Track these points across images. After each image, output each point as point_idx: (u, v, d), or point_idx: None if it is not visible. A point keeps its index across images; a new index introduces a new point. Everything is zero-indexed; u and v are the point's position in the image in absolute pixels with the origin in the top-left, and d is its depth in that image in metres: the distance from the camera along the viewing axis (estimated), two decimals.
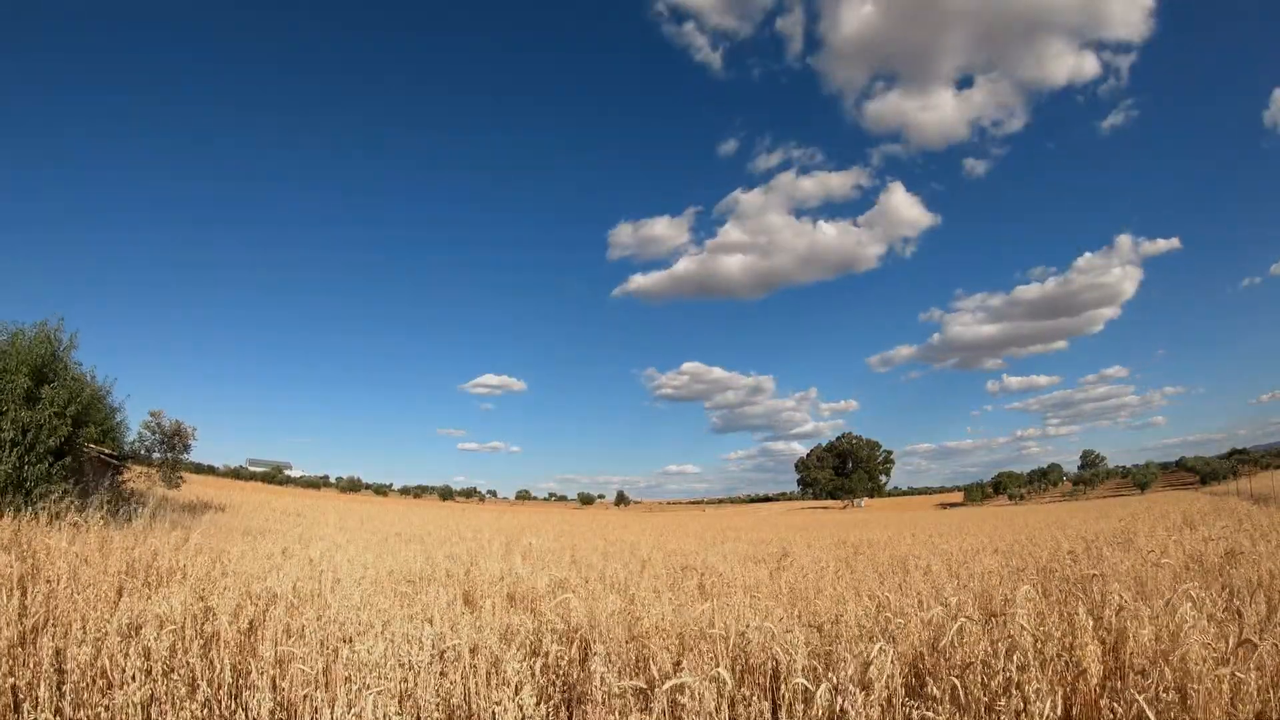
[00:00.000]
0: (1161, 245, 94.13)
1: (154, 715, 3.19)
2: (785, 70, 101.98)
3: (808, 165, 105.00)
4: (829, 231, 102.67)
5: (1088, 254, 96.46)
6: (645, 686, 3.37)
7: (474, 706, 3.52)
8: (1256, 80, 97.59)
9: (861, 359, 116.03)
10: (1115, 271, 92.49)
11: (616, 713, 3.02)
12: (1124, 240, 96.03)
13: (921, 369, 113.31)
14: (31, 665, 3.48)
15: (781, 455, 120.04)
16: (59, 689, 3.28)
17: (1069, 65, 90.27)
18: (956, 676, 3.27)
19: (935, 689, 3.14)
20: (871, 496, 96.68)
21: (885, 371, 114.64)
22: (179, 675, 3.37)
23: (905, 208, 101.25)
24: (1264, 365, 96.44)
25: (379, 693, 3.09)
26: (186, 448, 25.33)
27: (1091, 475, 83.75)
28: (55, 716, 3.18)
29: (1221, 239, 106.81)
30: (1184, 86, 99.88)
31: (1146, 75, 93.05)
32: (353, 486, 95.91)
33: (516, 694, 2.81)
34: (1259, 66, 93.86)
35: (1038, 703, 2.90)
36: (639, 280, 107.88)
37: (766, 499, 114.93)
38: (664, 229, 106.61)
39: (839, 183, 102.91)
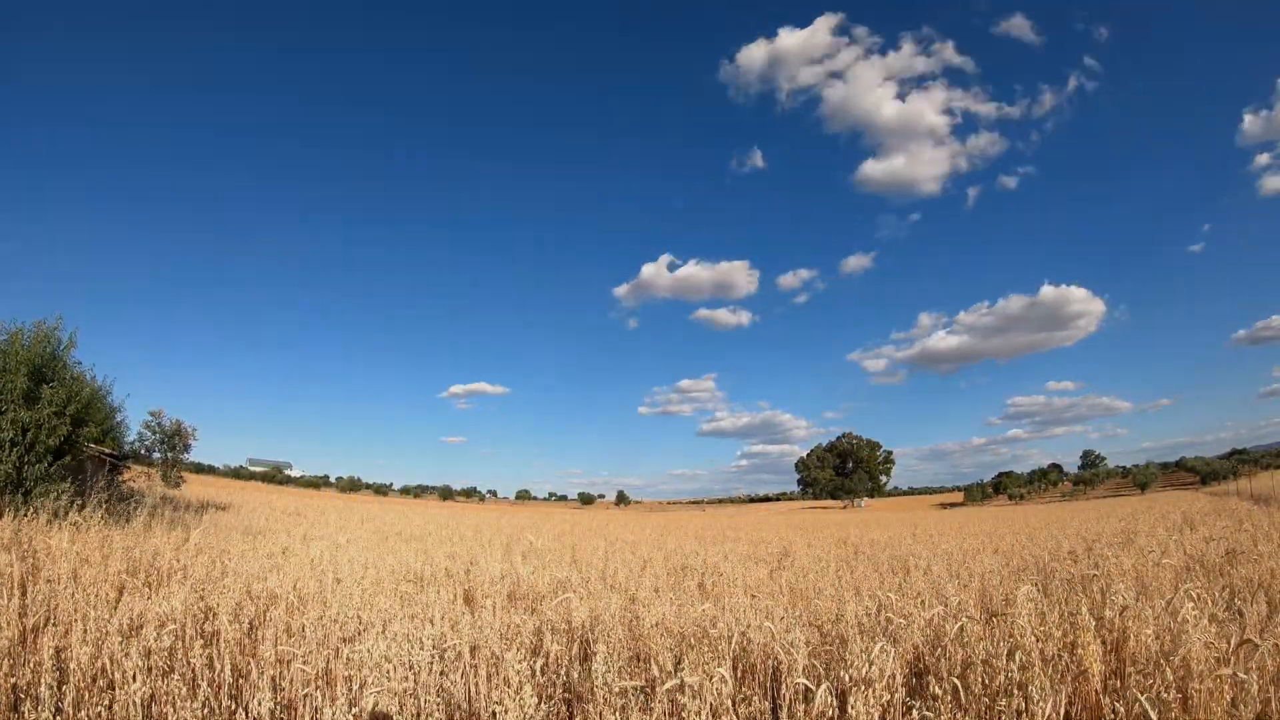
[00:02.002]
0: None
1: (154, 715, 3.18)
2: None
3: None
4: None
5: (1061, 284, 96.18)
6: (646, 686, 3.36)
7: (474, 706, 3.52)
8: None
9: (853, 363, 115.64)
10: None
11: (617, 712, 3.02)
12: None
13: (911, 371, 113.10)
14: (32, 665, 3.47)
15: (779, 456, 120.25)
16: (59, 688, 3.27)
17: None
18: (958, 676, 3.27)
19: (937, 688, 3.13)
20: (872, 496, 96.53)
21: (876, 376, 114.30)
22: (179, 675, 3.36)
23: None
24: (1258, 364, 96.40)
25: (379, 692, 3.09)
26: (187, 447, 25.45)
27: (1092, 475, 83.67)
28: (55, 716, 3.17)
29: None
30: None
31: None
32: (353, 486, 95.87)
33: (517, 694, 2.81)
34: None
35: (1040, 702, 2.89)
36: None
37: (766, 499, 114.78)
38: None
39: None
